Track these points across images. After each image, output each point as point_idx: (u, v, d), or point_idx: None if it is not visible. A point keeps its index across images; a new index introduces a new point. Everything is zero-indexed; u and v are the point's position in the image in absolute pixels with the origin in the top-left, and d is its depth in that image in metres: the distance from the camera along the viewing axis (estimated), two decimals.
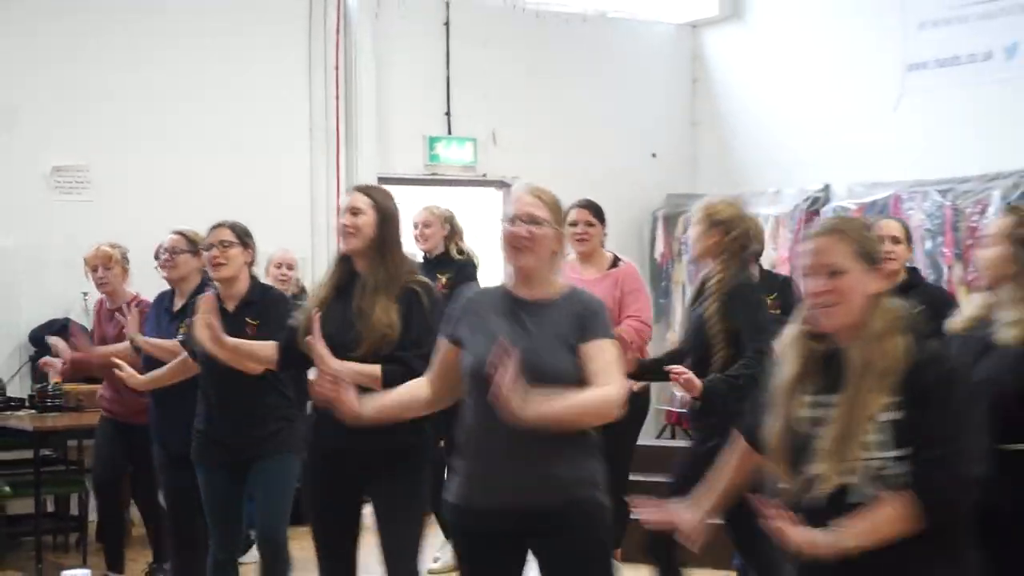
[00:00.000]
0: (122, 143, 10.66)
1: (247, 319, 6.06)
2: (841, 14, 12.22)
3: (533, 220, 4.24)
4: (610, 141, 12.51)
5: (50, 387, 9.22)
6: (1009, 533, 4.63)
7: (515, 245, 4.25)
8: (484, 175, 12.49)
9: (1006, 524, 4.60)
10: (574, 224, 7.52)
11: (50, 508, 9.85)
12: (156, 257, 7.38)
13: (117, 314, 7.70)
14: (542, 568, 4.33)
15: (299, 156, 11.62)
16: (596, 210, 7.74)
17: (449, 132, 12.39)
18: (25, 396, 9.83)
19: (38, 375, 9.77)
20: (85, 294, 9.21)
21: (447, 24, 12.30)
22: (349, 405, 4.45)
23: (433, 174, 12.37)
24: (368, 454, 5.12)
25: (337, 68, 11.81)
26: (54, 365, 8.69)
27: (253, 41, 11.44)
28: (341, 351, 4.92)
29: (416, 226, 8.51)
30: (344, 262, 5.31)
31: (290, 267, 8.84)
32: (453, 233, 8.73)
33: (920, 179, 11.32)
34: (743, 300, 6.16)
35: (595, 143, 12.39)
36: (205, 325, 5.42)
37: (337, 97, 11.83)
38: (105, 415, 8.23)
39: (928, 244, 11.24)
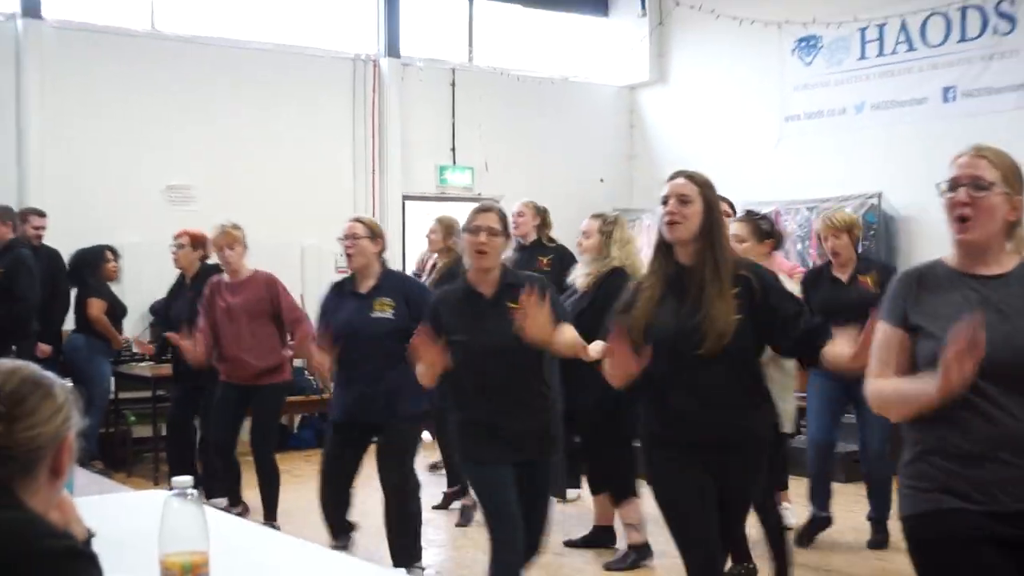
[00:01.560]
0: (219, 170, 10.70)
1: (508, 303, 4.35)
2: (737, 79, 12.21)
3: (977, 185, 2.77)
4: (571, 169, 12.58)
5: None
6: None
7: (959, 216, 2.79)
8: (479, 194, 12.08)
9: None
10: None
11: (163, 433, 9.85)
12: None
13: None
14: None
15: (345, 179, 11.61)
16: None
17: (454, 162, 12.34)
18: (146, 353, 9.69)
19: (156, 336, 9.63)
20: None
21: (453, 84, 12.27)
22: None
23: (442, 193, 12.28)
24: (721, 440, 3.78)
25: (374, 116, 11.79)
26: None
27: (315, 98, 11.45)
28: (683, 348, 3.62)
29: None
30: (666, 252, 3.79)
31: None
32: (543, 223, 7.71)
33: (793, 199, 11.29)
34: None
35: (560, 171, 12.30)
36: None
37: (373, 136, 11.79)
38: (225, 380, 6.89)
39: (799, 246, 11.32)
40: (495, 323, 4.34)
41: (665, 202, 3.76)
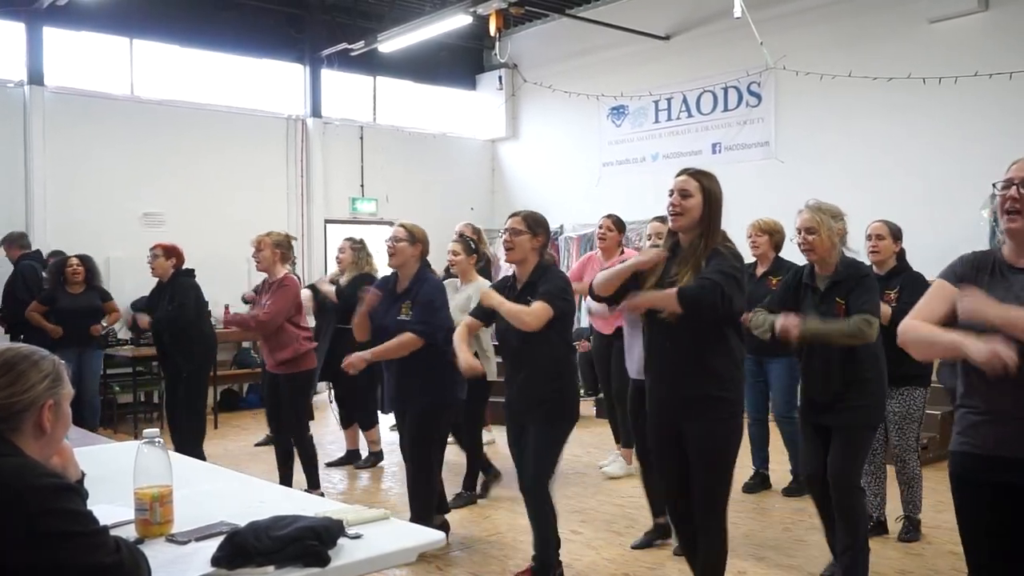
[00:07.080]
0: (184, 201, 10.49)
1: (528, 297, 3.82)
2: (568, 136, 12.22)
3: None
4: (448, 200, 12.57)
5: (145, 334, 8.92)
6: None
7: (1008, 209, 2.25)
8: (382, 219, 12.20)
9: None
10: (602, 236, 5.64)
11: (142, 399, 9.67)
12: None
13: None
14: None
15: (281, 207, 11.45)
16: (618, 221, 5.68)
17: (363, 195, 12.24)
18: (127, 338, 9.64)
19: (135, 327, 9.35)
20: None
21: (361, 138, 12.19)
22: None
23: (354, 217, 12.12)
24: (684, 402, 3.18)
25: (302, 161, 11.63)
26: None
27: (258, 146, 11.27)
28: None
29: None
30: (671, 234, 3.31)
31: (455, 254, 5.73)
32: (480, 239, 6.39)
33: None
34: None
35: (441, 201, 12.42)
36: None
37: (302, 176, 11.63)
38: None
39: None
40: None
41: (671, 195, 3.20)
